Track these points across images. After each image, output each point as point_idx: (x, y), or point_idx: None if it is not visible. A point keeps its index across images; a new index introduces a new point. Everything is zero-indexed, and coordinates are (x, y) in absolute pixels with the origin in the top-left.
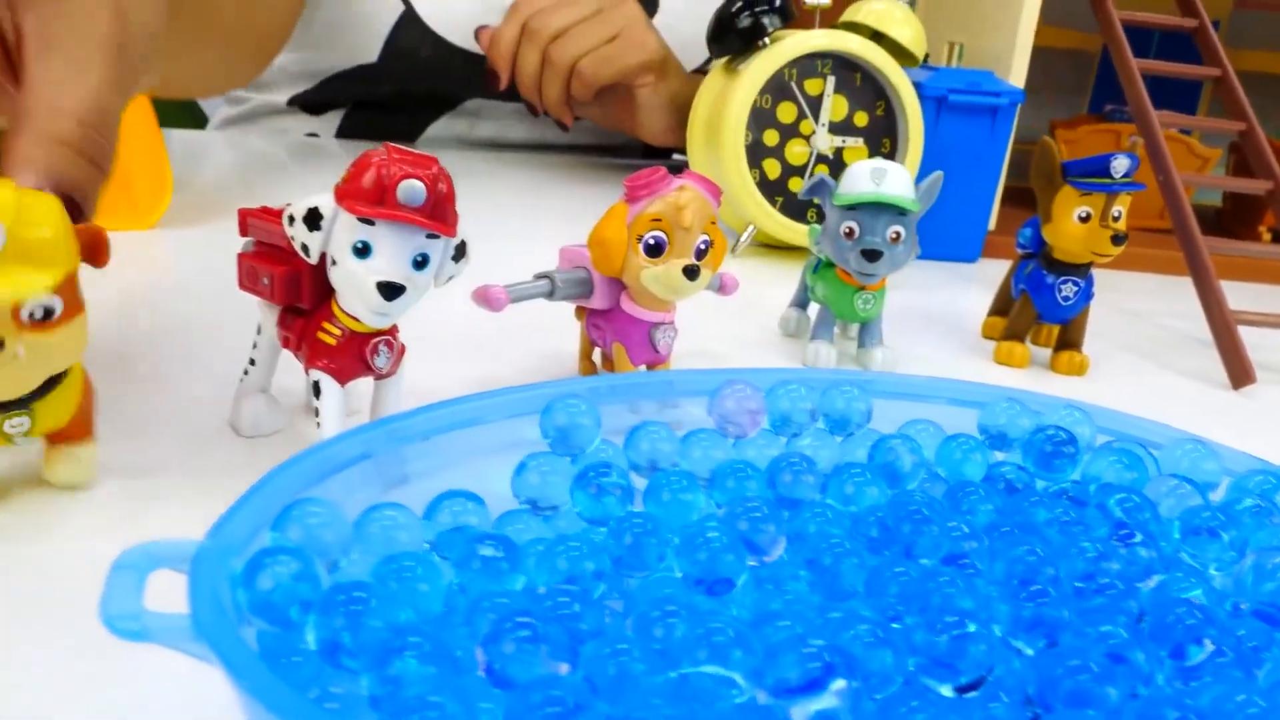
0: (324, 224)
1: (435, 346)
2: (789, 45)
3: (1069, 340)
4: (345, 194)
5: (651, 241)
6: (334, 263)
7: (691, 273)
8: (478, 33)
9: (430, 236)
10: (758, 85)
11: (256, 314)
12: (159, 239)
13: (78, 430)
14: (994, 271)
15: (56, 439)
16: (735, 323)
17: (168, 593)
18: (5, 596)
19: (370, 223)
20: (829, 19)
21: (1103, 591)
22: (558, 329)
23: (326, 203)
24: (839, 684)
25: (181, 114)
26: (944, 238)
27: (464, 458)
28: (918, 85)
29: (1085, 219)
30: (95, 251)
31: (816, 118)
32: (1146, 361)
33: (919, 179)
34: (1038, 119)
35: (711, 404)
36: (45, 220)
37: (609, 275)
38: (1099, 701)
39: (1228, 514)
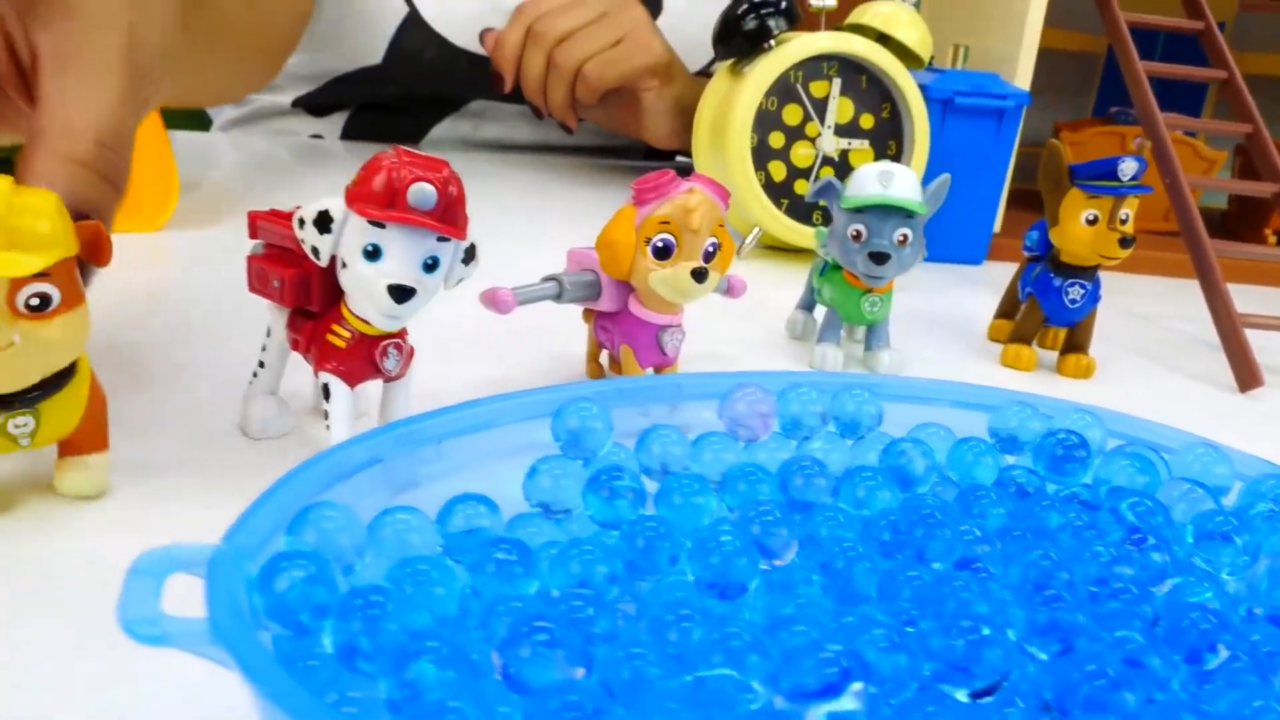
0: (334, 227)
1: (443, 348)
2: (794, 47)
3: (1076, 343)
4: (356, 197)
5: (660, 244)
6: (344, 265)
7: (700, 275)
8: (482, 35)
9: (441, 239)
10: (763, 87)
11: (265, 316)
12: (166, 241)
13: (91, 441)
14: (999, 274)
15: (68, 449)
16: (742, 325)
17: (182, 596)
18: (11, 596)
19: (381, 226)
20: (834, 21)
21: (1117, 596)
22: (565, 331)
23: (337, 206)
24: (855, 687)
25: (186, 115)
26: (949, 240)
27: (476, 461)
28: (923, 87)
29: (1093, 222)
30: (96, 248)
31: (822, 120)
32: (1153, 364)
33: (925, 181)
34: (1043, 121)
35: (722, 407)
36: (38, 210)
37: (617, 277)
38: (1117, 707)
39: (1241, 518)
